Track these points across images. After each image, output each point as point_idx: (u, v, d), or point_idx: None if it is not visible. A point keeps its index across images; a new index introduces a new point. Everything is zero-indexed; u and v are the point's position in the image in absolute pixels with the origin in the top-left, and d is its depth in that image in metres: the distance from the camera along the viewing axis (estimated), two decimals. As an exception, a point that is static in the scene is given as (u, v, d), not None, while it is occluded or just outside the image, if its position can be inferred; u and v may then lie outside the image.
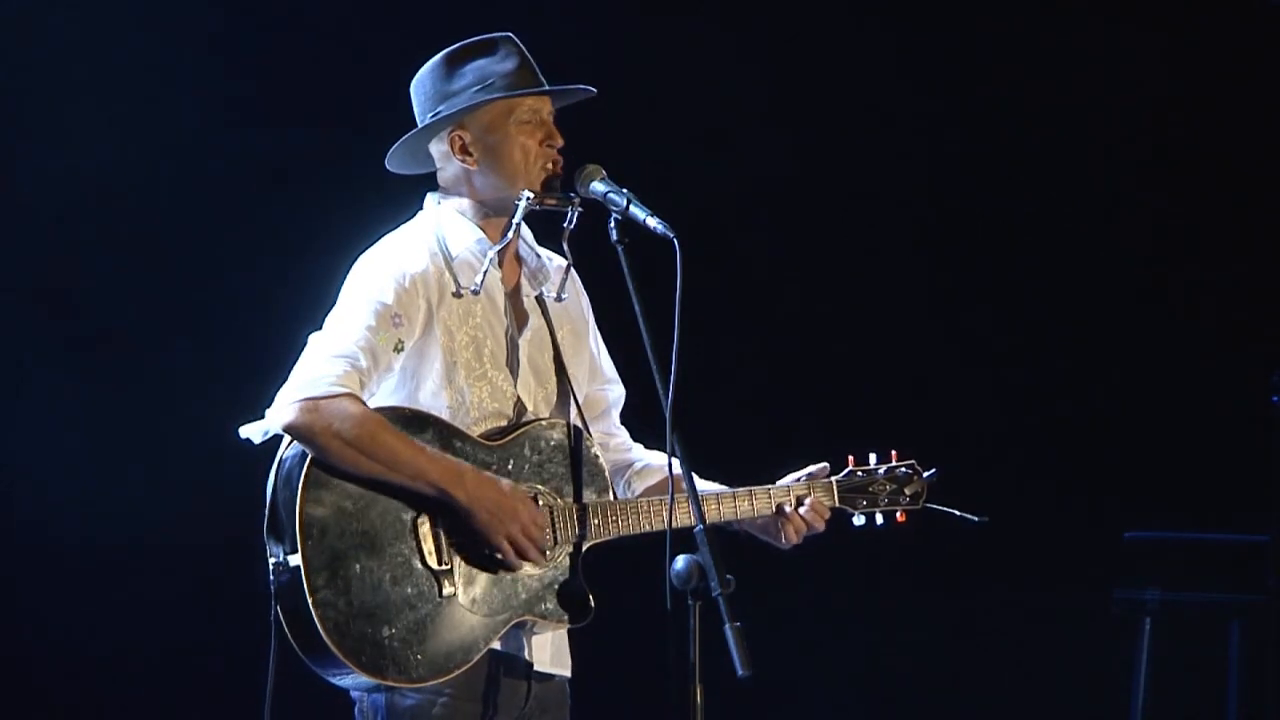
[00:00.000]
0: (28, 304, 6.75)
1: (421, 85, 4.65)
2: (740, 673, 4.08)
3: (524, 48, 4.62)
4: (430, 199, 4.67)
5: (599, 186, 4.50)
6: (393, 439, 4.38)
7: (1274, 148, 7.47)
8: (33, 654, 6.70)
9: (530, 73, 4.60)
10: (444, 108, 4.59)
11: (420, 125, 4.62)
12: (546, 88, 4.60)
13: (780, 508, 4.70)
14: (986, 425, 7.50)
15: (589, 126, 4.77)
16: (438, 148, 4.64)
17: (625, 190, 4.48)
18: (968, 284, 7.60)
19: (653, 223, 4.41)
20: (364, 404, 4.39)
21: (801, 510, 4.70)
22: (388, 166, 4.70)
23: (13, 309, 6.73)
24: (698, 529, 4.20)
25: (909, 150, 7.55)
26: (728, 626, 4.08)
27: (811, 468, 4.78)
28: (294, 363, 4.44)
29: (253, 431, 4.47)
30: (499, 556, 4.43)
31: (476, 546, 4.44)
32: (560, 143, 4.61)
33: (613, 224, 4.45)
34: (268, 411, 4.43)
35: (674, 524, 4.44)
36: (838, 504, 4.77)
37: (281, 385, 4.42)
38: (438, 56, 4.64)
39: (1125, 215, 7.63)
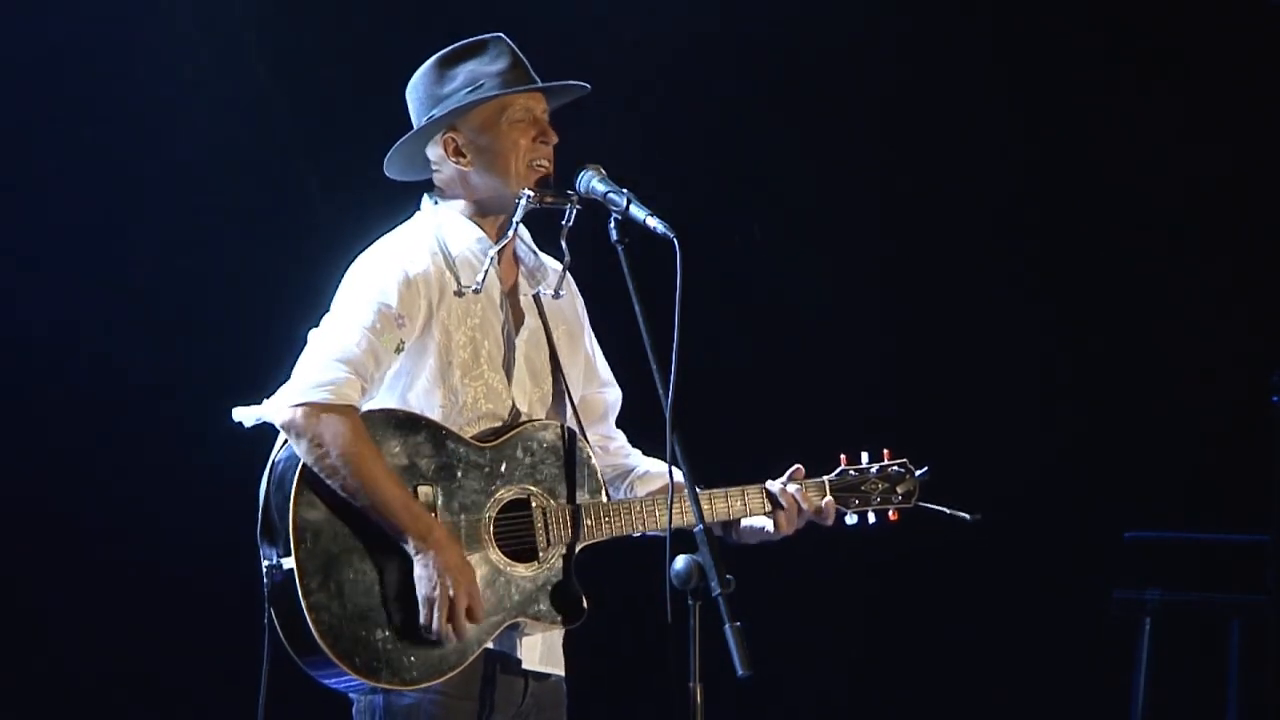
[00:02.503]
0: (30, 300, 6.75)
1: (415, 90, 4.65)
2: (740, 673, 4.07)
3: (515, 47, 4.62)
4: (427, 200, 4.67)
5: (599, 186, 4.49)
6: (377, 468, 4.36)
7: (1274, 148, 7.46)
8: (27, 653, 6.69)
9: (522, 71, 4.60)
10: (437, 111, 4.59)
11: (414, 129, 4.62)
12: (536, 85, 4.60)
13: (774, 497, 4.69)
14: (987, 425, 7.49)
15: (589, 124, 4.77)
16: (433, 151, 4.64)
17: (625, 190, 4.47)
18: (967, 283, 7.59)
19: (653, 222, 4.40)
20: (359, 421, 4.38)
21: (792, 489, 4.69)
22: (387, 173, 4.70)
23: (15, 306, 6.73)
24: (698, 529, 4.19)
25: (909, 148, 7.54)
26: (728, 626, 4.08)
27: (789, 472, 4.77)
28: (294, 361, 4.44)
29: (245, 415, 4.48)
30: (419, 616, 4.37)
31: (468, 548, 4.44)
32: (554, 140, 4.61)
33: (613, 224, 4.44)
34: (265, 401, 4.43)
35: (670, 525, 4.44)
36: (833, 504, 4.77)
37: (282, 382, 4.42)
38: (430, 60, 4.64)
39: (1124, 215, 7.62)
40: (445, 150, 4.61)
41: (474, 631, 4.42)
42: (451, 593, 4.37)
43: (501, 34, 4.64)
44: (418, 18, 6.78)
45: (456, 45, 4.63)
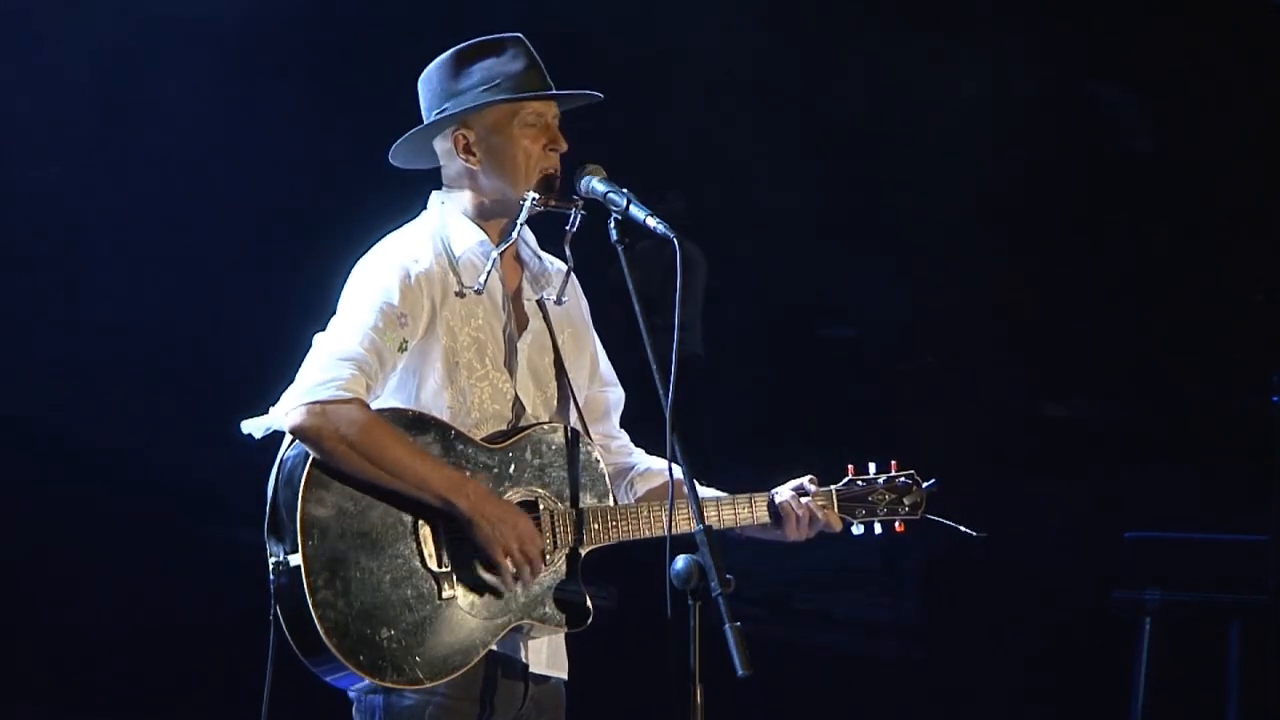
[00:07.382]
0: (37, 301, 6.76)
1: (429, 82, 4.64)
2: (740, 673, 4.07)
3: (533, 49, 4.62)
4: (435, 197, 4.67)
5: (599, 186, 4.50)
6: (399, 446, 4.38)
7: (1275, 148, 7.47)
8: (31, 653, 6.70)
9: (538, 75, 4.60)
10: (450, 105, 4.59)
11: (426, 122, 4.62)
12: (551, 92, 4.60)
13: (781, 508, 4.70)
14: (987, 425, 7.50)
15: (590, 123, 4.78)
16: (442, 145, 4.64)
17: (625, 190, 4.47)
18: (968, 284, 7.60)
19: (653, 222, 4.41)
20: (370, 410, 4.39)
21: (804, 500, 4.70)
22: (391, 161, 4.70)
23: (20, 307, 6.74)
24: (698, 529, 4.20)
25: (910, 148, 7.55)
26: (727, 626, 4.08)
27: (798, 480, 4.77)
28: (299, 363, 4.44)
29: (254, 427, 4.47)
30: (494, 571, 4.42)
31: (477, 552, 4.44)
32: (564, 148, 4.60)
33: (613, 224, 4.45)
34: (272, 409, 4.42)
35: (674, 529, 4.44)
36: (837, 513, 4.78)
37: (287, 385, 4.42)
38: (447, 54, 4.63)
39: (1124, 216, 7.63)
40: (455, 146, 4.61)
41: (478, 632, 4.43)
42: (507, 538, 4.39)
43: (520, 34, 4.64)
44: (425, 17, 6.79)
45: (475, 41, 4.62)
